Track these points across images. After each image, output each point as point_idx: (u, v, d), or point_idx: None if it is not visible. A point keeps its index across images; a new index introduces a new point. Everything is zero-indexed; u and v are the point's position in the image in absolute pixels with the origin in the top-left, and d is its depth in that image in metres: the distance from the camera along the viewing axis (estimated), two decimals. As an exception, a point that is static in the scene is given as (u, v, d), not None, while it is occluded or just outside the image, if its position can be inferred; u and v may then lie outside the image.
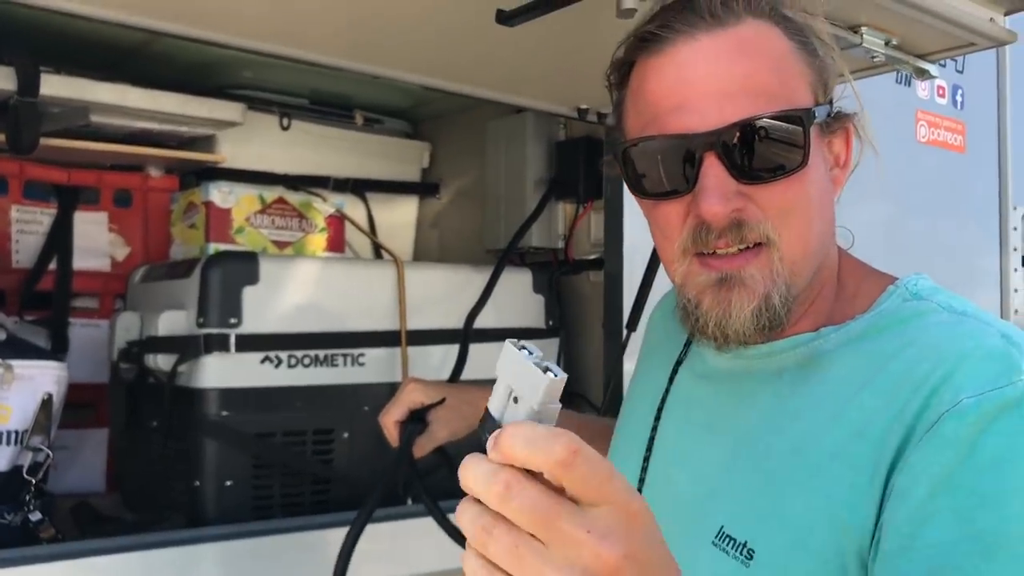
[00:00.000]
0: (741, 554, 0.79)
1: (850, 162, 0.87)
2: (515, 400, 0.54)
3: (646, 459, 0.96)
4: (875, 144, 0.88)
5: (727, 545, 0.80)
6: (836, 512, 0.75)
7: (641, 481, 0.96)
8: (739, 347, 0.85)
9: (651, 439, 0.97)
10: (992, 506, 0.68)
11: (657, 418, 0.97)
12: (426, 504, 1.33)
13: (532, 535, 0.51)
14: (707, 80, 0.80)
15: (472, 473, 0.53)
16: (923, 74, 1.42)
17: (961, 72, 2.63)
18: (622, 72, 0.89)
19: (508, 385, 0.54)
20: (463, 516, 0.54)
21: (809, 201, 0.81)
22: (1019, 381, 0.72)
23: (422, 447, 1.30)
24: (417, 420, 1.30)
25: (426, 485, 1.34)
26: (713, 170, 0.79)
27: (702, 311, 0.83)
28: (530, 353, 0.54)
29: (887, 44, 1.33)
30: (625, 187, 1.88)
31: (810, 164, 0.80)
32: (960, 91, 2.63)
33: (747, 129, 0.78)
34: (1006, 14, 1.34)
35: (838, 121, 0.85)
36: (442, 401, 1.29)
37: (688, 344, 0.99)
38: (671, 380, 0.99)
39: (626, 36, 0.88)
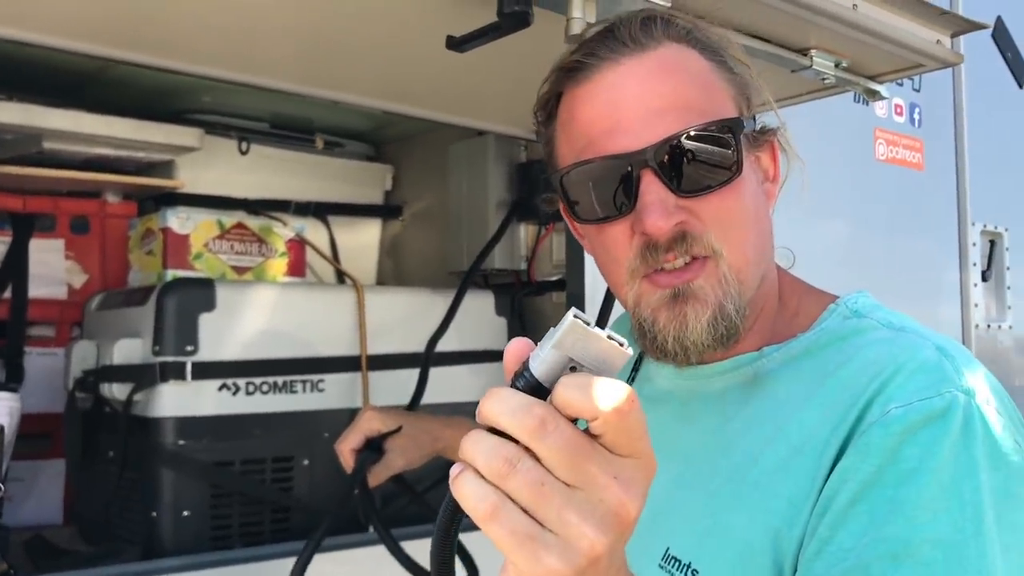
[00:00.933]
0: (685, 575, 0.79)
1: (779, 176, 0.88)
2: (572, 370, 0.53)
3: None
4: (801, 159, 0.89)
5: (672, 567, 0.81)
6: (776, 527, 0.75)
7: None
8: (697, 364, 0.86)
9: None
10: (905, 514, 0.69)
11: None
12: (380, 533, 1.32)
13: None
14: (636, 100, 0.82)
15: (500, 404, 0.52)
16: (874, 95, 1.44)
17: (918, 91, 2.67)
18: (549, 107, 0.91)
19: (565, 355, 0.52)
20: (476, 446, 0.52)
21: (747, 211, 0.83)
22: (947, 392, 0.73)
23: (377, 476, 1.29)
24: (373, 448, 1.30)
25: (384, 514, 1.33)
26: (652, 186, 0.80)
27: (659, 328, 0.83)
28: (597, 327, 0.52)
29: (837, 66, 1.35)
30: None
31: (744, 175, 0.82)
32: (918, 109, 2.67)
33: (680, 143, 0.80)
34: (952, 36, 1.37)
35: (763, 135, 0.87)
36: (399, 429, 1.29)
37: (636, 368, 0.99)
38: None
39: (550, 71, 0.89)
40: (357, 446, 1.28)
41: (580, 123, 0.84)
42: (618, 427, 0.51)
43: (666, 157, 0.80)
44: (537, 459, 0.51)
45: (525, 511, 0.51)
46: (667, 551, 0.82)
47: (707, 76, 0.83)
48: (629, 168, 0.81)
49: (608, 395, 0.50)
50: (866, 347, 0.79)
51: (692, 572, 0.79)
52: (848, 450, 0.73)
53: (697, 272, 0.82)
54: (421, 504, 1.40)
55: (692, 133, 0.80)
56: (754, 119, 0.86)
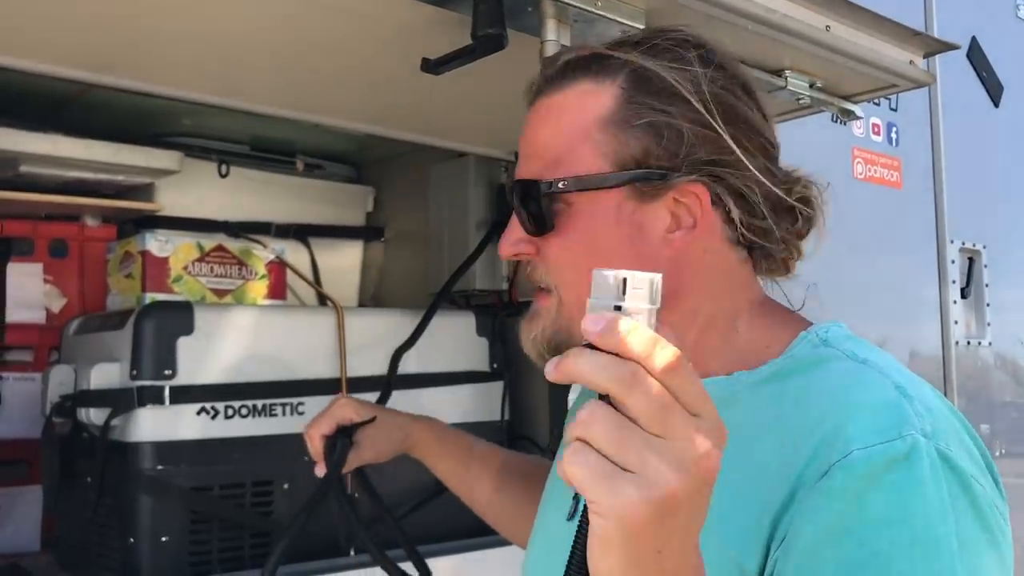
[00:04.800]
0: None
1: (702, 225, 0.86)
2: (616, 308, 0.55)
3: (575, 497, 0.97)
4: (733, 206, 0.87)
5: None
6: (731, 554, 0.76)
7: (571, 512, 0.97)
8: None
9: None
10: (877, 563, 0.68)
11: None
12: (372, 553, 1.31)
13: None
14: (522, 140, 0.93)
15: (588, 361, 0.54)
16: (849, 115, 1.45)
17: (895, 110, 2.70)
18: None
19: (605, 305, 0.55)
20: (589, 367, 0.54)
21: (577, 261, 0.87)
22: (908, 435, 0.72)
23: (347, 464, 1.27)
24: (345, 436, 1.27)
25: (371, 534, 1.31)
26: (513, 217, 0.92)
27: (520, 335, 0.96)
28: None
29: (812, 87, 1.36)
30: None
31: (570, 229, 0.87)
32: (895, 128, 2.69)
33: (517, 189, 0.89)
34: (925, 57, 1.38)
35: (664, 188, 0.85)
36: (372, 420, 1.27)
37: None
38: None
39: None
40: (328, 432, 1.27)
41: None
42: (679, 383, 0.54)
43: (517, 196, 0.89)
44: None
45: (607, 457, 0.53)
46: None
47: (587, 125, 0.86)
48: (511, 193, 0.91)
49: (665, 348, 0.54)
50: (826, 378, 0.80)
51: None
52: (807, 488, 0.73)
53: (541, 299, 0.92)
54: (397, 531, 1.38)
55: (520, 184, 0.89)
56: (656, 168, 0.84)
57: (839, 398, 0.76)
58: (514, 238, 0.91)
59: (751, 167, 0.85)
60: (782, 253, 0.92)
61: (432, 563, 1.33)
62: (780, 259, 0.93)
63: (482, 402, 1.93)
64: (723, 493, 0.76)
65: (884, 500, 0.70)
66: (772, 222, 0.88)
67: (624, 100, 0.85)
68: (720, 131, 0.84)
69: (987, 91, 2.97)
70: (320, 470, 1.28)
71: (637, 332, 0.53)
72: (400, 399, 1.77)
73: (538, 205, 0.87)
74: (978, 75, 2.93)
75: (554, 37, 1.05)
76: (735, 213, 0.86)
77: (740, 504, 0.76)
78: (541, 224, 0.88)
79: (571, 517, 0.96)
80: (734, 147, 0.84)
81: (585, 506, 0.55)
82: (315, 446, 1.28)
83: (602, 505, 0.53)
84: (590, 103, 0.86)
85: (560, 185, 0.86)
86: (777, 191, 0.88)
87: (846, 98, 1.44)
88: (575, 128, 0.87)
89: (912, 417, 0.74)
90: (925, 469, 0.71)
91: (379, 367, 1.80)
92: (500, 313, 2.03)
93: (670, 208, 0.86)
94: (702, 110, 0.83)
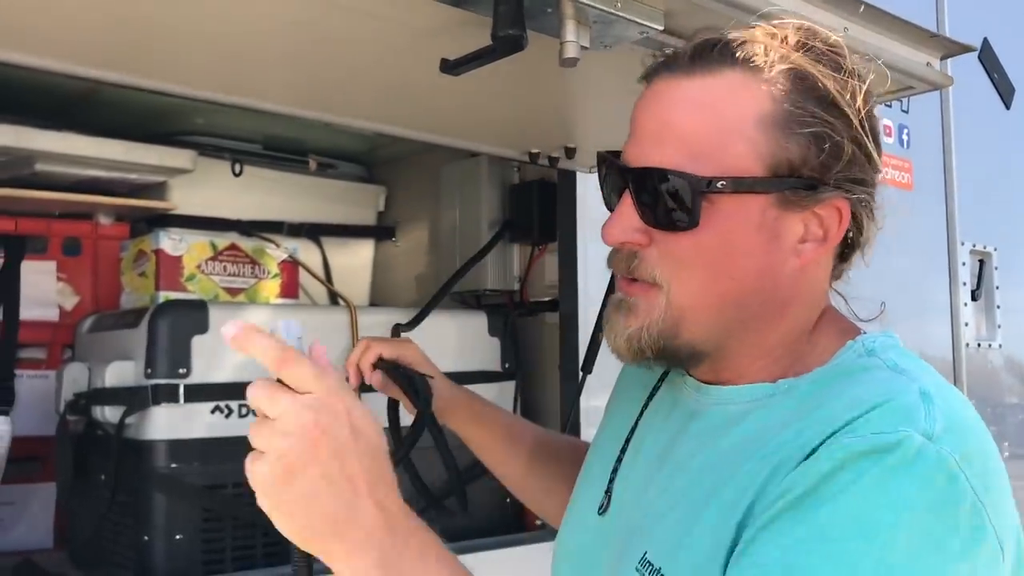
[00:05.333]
0: None
1: (833, 240, 0.85)
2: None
3: (610, 482, 0.98)
4: (878, 225, 0.88)
5: (646, 570, 0.83)
6: (733, 540, 0.77)
7: (602, 506, 0.97)
8: (714, 384, 0.89)
9: (615, 467, 0.98)
10: (817, 536, 0.69)
11: (623, 447, 0.99)
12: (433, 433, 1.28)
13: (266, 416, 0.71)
14: (652, 119, 0.84)
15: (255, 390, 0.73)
16: (864, 117, 1.45)
17: (907, 112, 2.70)
18: None
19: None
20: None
21: (708, 262, 0.83)
22: (903, 431, 0.71)
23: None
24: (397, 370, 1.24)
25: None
26: (625, 202, 0.85)
27: (605, 327, 0.90)
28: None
29: (828, 88, 1.36)
30: (579, 228, 1.91)
31: (710, 228, 0.82)
32: (906, 130, 2.69)
33: (651, 176, 0.82)
34: (942, 59, 1.38)
35: (811, 200, 0.83)
36: (432, 378, 1.28)
37: (663, 377, 1.00)
38: (643, 409, 1.00)
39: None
40: (387, 359, 1.24)
41: (632, 115, 0.88)
42: (285, 374, 0.71)
43: (638, 183, 0.83)
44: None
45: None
46: (644, 555, 0.84)
47: (742, 122, 0.81)
48: (619, 178, 0.86)
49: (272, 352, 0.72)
50: (858, 384, 0.79)
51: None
52: (790, 467, 0.74)
53: (639, 292, 0.86)
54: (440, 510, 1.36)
55: (662, 173, 0.82)
56: (806, 179, 0.82)
57: (861, 401, 0.75)
58: (628, 226, 0.84)
59: (870, 184, 0.85)
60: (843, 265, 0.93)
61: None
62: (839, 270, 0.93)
63: (494, 400, 1.93)
64: (740, 487, 0.77)
65: (844, 480, 0.70)
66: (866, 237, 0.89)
67: (786, 102, 0.81)
68: (871, 151, 0.83)
69: (999, 93, 2.96)
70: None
71: (255, 342, 0.72)
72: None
73: (676, 199, 0.81)
74: (990, 77, 2.93)
75: (573, 38, 1.05)
76: (856, 232, 0.87)
77: (754, 493, 0.77)
78: (674, 218, 0.82)
79: (602, 511, 0.96)
80: (879, 167, 0.84)
81: None
82: (374, 378, 1.25)
83: (252, 483, 0.72)
84: (745, 98, 0.82)
85: (719, 185, 0.80)
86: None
87: (862, 100, 1.43)
88: (728, 122, 0.81)
89: (920, 419, 0.73)
90: (905, 462, 0.70)
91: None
92: (512, 313, 2.04)
93: (805, 219, 0.84)
94: (859, 127, 0.82)
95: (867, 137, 0.83)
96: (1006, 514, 0.75)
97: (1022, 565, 0.76)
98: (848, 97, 0.82)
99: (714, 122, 0.82)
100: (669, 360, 0.88)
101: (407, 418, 1.28)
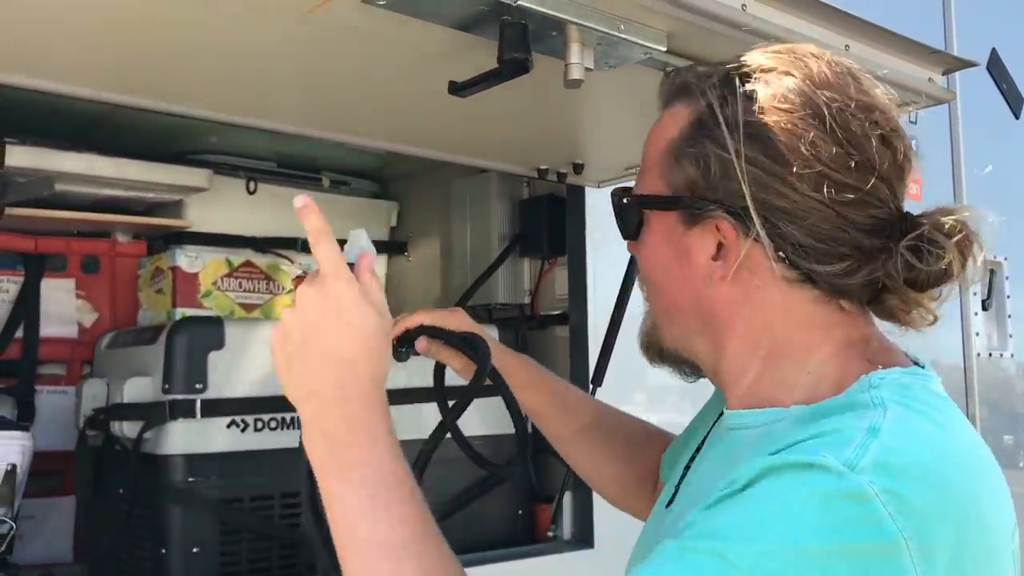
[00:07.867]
0: None
1: (733, 255, 0.86)
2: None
3: (678, 485, 1.01)
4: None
5: None
6: None
7: (670, 502, 1.01)
8: (737, 409, 0.92)
9: (682, 477, 1.01)
10: (709, 533, 0.72)
11: (691, 460, 1.02)
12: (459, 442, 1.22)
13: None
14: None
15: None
16: (868, 131, 1.46)
17: (915, 123, 2.70)
18: None
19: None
20: None
21: (653, 273, 0.95)
22: (820, 456, 0.71)
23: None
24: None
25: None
26: None
27: None
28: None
29: (831, 104, 1.37)
30: (588, 242, 1.93)
31: (645, 242, 0.94)
32: (914, 140, 2.69)
33: (615, 194, 0.98)
34: (943, 74, 1.40)
35: (704, 217, 0.86)
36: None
37: None
38: (712, 427, 1.03)
39: None
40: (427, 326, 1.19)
41: None
42: (315, 250, 0.90)
43: (616, 202, 0.98)
44: None
45: None
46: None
47: (661, 144, 0.91)
48: None
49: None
50: (839, 417, 0.78)
51: None
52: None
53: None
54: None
55: (619, 190, 0.97)
56: (695, 196, 0.86)
57: (822, 429, 0.75)
58: (625, 240, 0.99)
59: (795, 203, 0.82)
60: (890, 300, 0.87)
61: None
62: (889, 307, 0.88)
63: (504, 415, 1.94)
64: (701, 500, 0.79)
65: (756, 488, 0.72)
66: (847, 265, 0.84)
67: (687, 128, 0.89)
68: (778, 171, 0.82)
69: (1007, 103, 2.97)
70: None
71: (309, 215, 0.90)
72: (424, 412, 1.79)
73: (620, 212, 0.97)
74: (998, 87, 2.93)
75: (578, 60, 1.07)
76: (769, 250, 0.84)
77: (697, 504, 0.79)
78: (624, 231, 0.97)
79: (669, 504, 0.99)
80: (798, 185, 0.82)
81: None
82: (428, 346, 1.19)
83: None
84: (669, 126, 0.92)
85: (637, 202, 0.95)
86: (849, 232, 0.83)
87: (865, 114, 1.45)
88: (655, 147, 0.93)
89: (847, 450, 0.71)
90: (811, 482, 0.70)
91: (405, 380, 1.82)
92: (522, 326, 2.06)
93: (716, 238, 0.87)
94: (730, 143, 0.83)
95: (742, 153, 0.83)
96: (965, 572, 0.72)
97: None
98: (732, 119, 0.84)
99: (650, 148, 0.94)
100: (670, 362, 0.99)
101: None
